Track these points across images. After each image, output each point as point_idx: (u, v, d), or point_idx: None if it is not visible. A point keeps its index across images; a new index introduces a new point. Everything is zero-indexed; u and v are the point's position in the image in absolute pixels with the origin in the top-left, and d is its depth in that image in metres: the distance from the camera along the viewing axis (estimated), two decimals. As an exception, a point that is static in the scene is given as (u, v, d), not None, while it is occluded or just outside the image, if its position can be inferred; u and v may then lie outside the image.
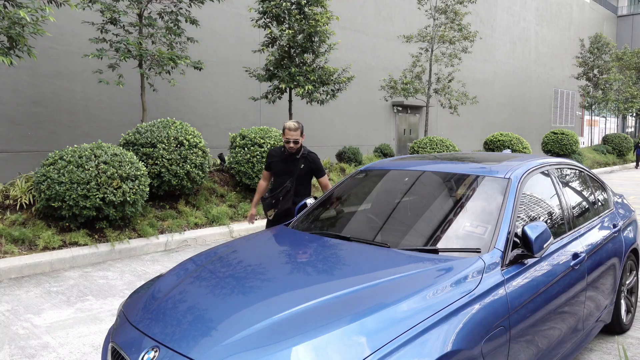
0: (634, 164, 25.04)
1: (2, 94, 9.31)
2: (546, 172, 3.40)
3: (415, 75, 15.39)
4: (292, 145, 4.28)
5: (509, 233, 2.63)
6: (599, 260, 3.40)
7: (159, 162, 7.43)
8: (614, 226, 3.89)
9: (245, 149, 8.77)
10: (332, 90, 11.12)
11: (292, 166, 4.36)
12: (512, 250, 2.59)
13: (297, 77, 10.18)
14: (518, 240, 2.63)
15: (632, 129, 40.84)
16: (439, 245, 2.70)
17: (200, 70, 9.37)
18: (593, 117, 30.72)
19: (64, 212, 6.23)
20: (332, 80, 10.89)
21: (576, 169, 3.96)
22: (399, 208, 3.14)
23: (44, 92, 9.87)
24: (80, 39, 10.17)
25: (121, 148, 7.09)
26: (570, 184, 3.69)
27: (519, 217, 2.81)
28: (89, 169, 6.29)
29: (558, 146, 19.12)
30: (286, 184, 4.31)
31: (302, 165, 4.35)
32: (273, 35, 10.45)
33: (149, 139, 7.54)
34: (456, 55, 15.43)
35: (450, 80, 15.65)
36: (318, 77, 10.56)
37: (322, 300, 2.10)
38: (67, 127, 10.21)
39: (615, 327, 3.94)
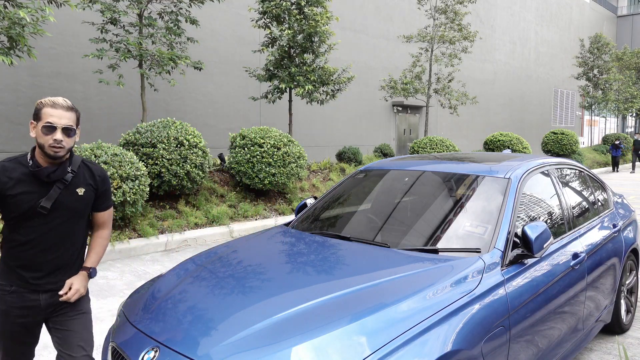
0: (630, 166, 23.16)
1: (2, 94, 9.31)
2: (546, 172, 3.41)
3: (415, 75, 15.40)
4: (60, 141, 2.13)
5: (509, 233, 2.63)
6: (599, 260, 3.40)
7: (159, 162, 7.43)
8: (614, 226, 3.89)
9: (245, 149, 8.77)
10: (332, 90, 11.13)
11: (57, 193, 2.20)
12: (512, 250, 2.59)
13: (297, 77, 10.18)
14: (518, 240, 2.64)
15: (632, 129, 40.83)
16: (439, 245, 2.70)
17: (200, 70, 9.37)
18: (593, 117, 30.72)
19: (64, 212, 6.22)
20: (332, 80, 10.90)
21: (576, 169, 3.96)
22: (399, 208, 3.14)
23: (44, 92, 9.86)
24: (80, 39, 10.17)
25: (121, 148, 7.09)
26: (570, 184, 3.69)
27: (519, 217, 2.81)
28: (89, 169, 6.29)
29: (558, 146, 19.12)
30: (32, 236, 2.18)
31: (82, 191, 2.26)
32: (273, 35, 10.45)
33: (149, 139, 7.54)
34: (456, 55, 15.44)
35: (450, 80, 15.65)
36: (318, 77, 10.56)
37: (322, 300, 2.10)
38: (67, 127, 10.21)
39: (615, 327, 3.94)
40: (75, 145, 6.69)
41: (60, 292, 2.22)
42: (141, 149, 7.49)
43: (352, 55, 16.68)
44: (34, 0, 6.52)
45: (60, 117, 2.13)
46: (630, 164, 22.52)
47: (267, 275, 2.44)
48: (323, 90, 11.11)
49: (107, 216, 2.42)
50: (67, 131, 2.15)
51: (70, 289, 2.25)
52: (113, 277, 5.57)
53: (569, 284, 2.92)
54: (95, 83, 10.29)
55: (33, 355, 2.42)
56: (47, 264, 2.23)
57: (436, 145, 13.42)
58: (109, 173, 6.38)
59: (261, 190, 9.18)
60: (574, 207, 3.49)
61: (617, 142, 21.00)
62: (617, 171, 21.47)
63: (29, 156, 2.19)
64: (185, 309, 2.20)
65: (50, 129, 2.11)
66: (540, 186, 3.24)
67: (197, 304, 2.23)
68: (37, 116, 2.15)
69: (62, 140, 2.13)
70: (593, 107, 26.33)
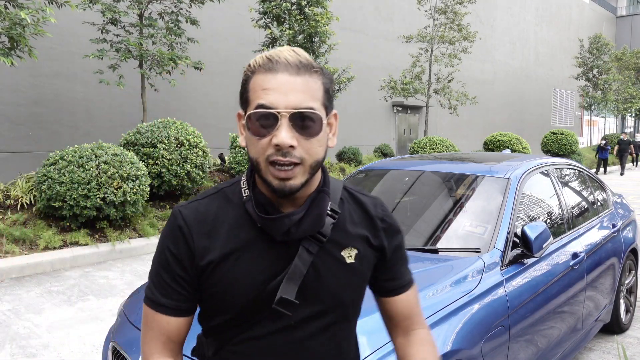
0: (619, 167, 20.95)
1: (3, 94, 9.32)
2: (545, 172, 3.42)
3: (415, 75, 15.40)
4: (287, 149, 0.90)
5: (508, 233, 2.64)
6: (598, 260, 3.41)
7: (159, 162, 7.44)
8: (613, 226, 3.90)
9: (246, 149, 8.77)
10: (332, 90, 11.14)
11: (308, 264, 0.99)
12: (511, 250, 2.60)
13: (297, 78, 10.20)
14: (518, 240, 2.64)
15: (631, 129, 40.85)
16: (439, 245, 2.71)
17: (200, 70, 9.37)
18: (592, 118, 30.74)
19: (64, 212, 6.23)
20: (332, 80, 10.92)
21: (575, 169, 3.97)
22: (398, 208, 3.15)
23: (44, 92, 9.87)
24: (80, 39, 10.17)
25: (122, 148, 7.09)
26: (569, 184, 3.70)
27: (518, 217, 2.82)
28: (89, 169, 6.30)
29: (557, 146, 19.12)
30: None
31: (353, 253, 1.05)
32: (273, 35, 10.48)
33: (150, 139, 7.55)
34: (456, 55, 15.45)
35: (450, 81, 15.66)
36: (318, 78, 10.58)
37: (322, 300, 2.10)
38: (67, 127, 10.22)
39: (614, 327, 3.95)
40: (76, 146, 6.69)
41: None
42: (142, 149, 7.50)
43: (352, 55, 16.68)
44: (35, 1, 6.53)
45: (286, 91, 0.93)
46: (619, 166, 20.93)
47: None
48: (323, 91, 11.13)
49: (413, 299, 1.20)
50: (304, 122, 0.93)
51: None
52: (113, 277, 5.58)
53: (569, 284, 2.93)
54: (95, 83, 10.28)
55: None
56: None
57: (436, 145, 13.43)
58: (109, 173, 6.36)
59: (261, 191, 9.18)
60: (573, 207, 3.50)
61: (603, 143, 19.80)
62: (605, 173, 19.94)
63: (243, 184, 1.05)
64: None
65: (264, 120, 0.94)
66: (539, 186, 3.25)
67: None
68: (244, 97, 1.03)
69: (292, 147, 0.92)
70: (592, 107, 26.34)
